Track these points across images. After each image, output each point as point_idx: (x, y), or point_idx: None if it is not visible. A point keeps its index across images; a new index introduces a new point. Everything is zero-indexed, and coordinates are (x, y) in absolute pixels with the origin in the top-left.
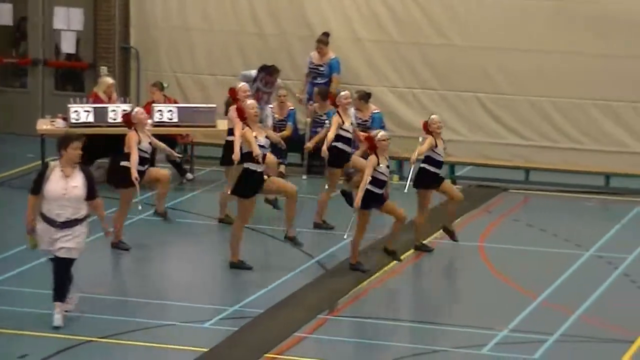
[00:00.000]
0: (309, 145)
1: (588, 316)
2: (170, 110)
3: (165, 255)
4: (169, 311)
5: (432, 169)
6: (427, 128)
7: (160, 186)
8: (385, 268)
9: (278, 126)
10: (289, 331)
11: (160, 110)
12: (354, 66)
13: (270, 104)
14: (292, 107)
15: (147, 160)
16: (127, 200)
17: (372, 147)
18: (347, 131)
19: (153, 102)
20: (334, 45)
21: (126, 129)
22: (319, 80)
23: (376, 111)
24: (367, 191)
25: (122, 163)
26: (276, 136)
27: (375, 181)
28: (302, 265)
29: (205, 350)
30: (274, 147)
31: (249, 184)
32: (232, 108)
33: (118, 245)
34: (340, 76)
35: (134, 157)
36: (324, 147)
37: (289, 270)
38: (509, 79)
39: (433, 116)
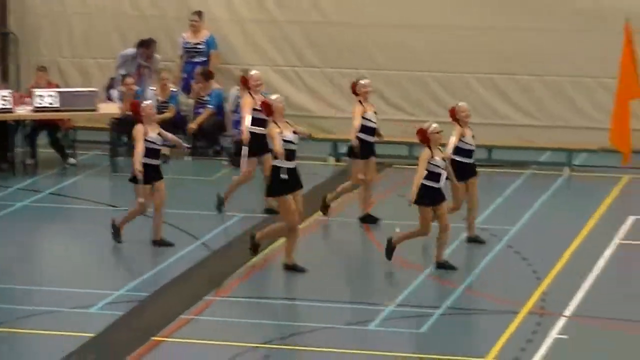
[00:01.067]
0: (192, 126)
1: (474, 289)
2: (51, 95)
3: (50, 241)
4: (54, 297)
5: (464, 159)
6: (455, 116)
7: (155, 213)
8: (271, 246)
9: (160, 108)
10: (176, 314)
11: (40, 96)
12: (235, 46)
13: (152, 77)
14: (174, 89)
15: (159, 152)
16: (140, 195)
17: (425, 140)
18: (370, 120)
19: (33, 87)
20: (215, 26)
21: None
22: (198, 59)
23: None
24: (423, 186)
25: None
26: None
27: (431, 175)
28: (187, 248)
29: (91, 335)
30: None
31: (281, 182)
32: (246, 96)
33: (114, 232)
34: (218, 52)
35: (139, 149)
36: (353, 138)
37: (174, 252)
38: (389, 54)
39: (461, 104)
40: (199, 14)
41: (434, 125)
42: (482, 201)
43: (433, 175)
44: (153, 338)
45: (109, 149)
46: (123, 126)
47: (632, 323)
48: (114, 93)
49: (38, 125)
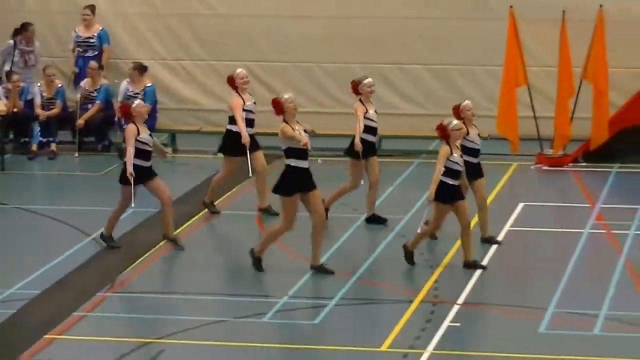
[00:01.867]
0: (80, 122)
1: (366, 278)
2: None
3: None
4: None
5: (470, 159)
6: (459, 114)
7: (163, 209)
8: (160, 244)
9: (47, 104)
10: (68, 311)
11: None
12: (121, 40)
13: (38, 61)
14: (61, 85)
15: (150, 154)
16: (124, 196)
17: (445, 137)
18: (372, 120)
19: None
20: (101, 20)
21: None
22: (90, 54)
23: (149, 84)
24: (442, 183)
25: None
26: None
27: (449, 172)
28: (79, 244)
29: None
30: (46, 125)
31: (292, 181)
32: (234, 96)
33: (106, 240)
34: (110, 47)
35: (130, 151)
36: (357, 140)
37: (66, 249)
38: (276, 45)
39: (466, 102)
40: (91, 8)
41: (455, 121)
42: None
43: (452, 173)
44: (45, 336)
45: None
46: (9, 123)
47: (522, 309)
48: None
49: None
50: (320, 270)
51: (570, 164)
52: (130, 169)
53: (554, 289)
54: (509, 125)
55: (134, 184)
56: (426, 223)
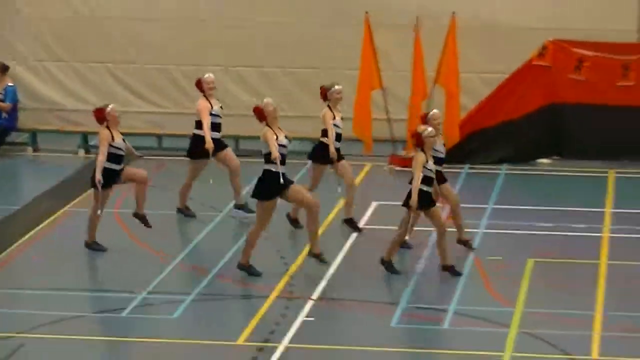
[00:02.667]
0: None
1: (224, 275)
2: None
3: None
4: None
5: (435, 167)
6: (427, 123)
7: (136, 187)
8: (23, 238)
9: None
10: None
11: None
12: None
13: None
14: None
15: (122, 158)
16: (98, 200)
17: (420, 144)
18: (338, 126)
19: None
20: None
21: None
22: None
23: (10, 84)
24: (420, 191)
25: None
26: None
27: (424, 179)
28: None
29: None
30: None
31: (268, 186)
32: (201, 100)
33: (92, 246)
34: None
35: (101, 157)
36: (332, 149)
37: None
38: (137, 47)
39: (434, 111)
40: None
41: (429, 129)
42: (229, 189)
43: (426, 180)
44: None
45: None
46: None
47: (374, 304)
48: None
49: None
50: (317, 258)
51: None
52: (99, 176)
53: (406, 285)
54: (363, 127)
55: (102, 189)
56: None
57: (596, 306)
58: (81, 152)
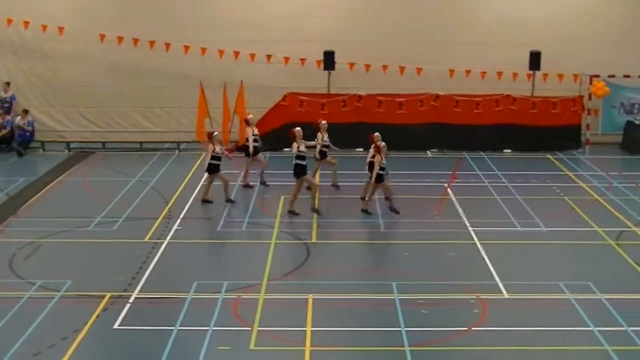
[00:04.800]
0: None
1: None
2: None
3: None
4: None
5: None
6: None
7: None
8: None
9: None
10: None
11: None
12: None
13: None
14: None
15: (220, 158)
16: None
17: (377, 150)
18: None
19: None
20: None
21: None
22: None
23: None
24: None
25: None
26: None
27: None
28: None
29: None
30: None
31: (299, 171)
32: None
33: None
34: None
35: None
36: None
37: None
38: None
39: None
40: None
41: (377, 133)
42: None
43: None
44: None
45: None
46: None
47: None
48: None
49: None
50: (316, 211)
51: (231, 154)
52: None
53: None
54: (200, 134)
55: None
56: (387, 199)
57: None
58: (65, 151)
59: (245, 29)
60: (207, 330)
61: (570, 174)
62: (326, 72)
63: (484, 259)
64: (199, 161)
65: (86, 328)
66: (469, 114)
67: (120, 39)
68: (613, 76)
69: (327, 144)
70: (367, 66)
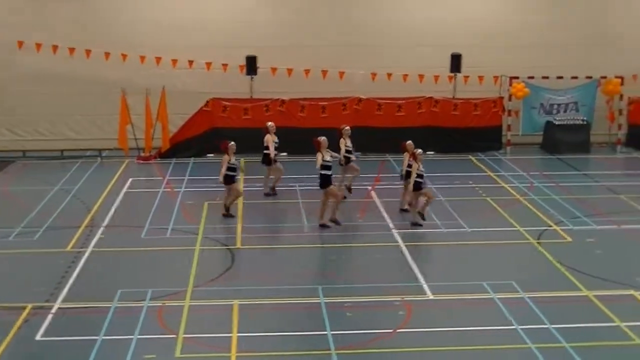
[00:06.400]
0: None
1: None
2: None
3: None
4: None
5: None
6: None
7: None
8: None
9: None
10: None
11: None
12: None
13: None
14: None
15: (237, 170)
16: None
17: (414, 157)
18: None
19: None
20: None
21: None
22: None
23: None
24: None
25: None
26: None
27: (326, 167)
28: None
29: None
30: None
31: (324, 182)
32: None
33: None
34: None
35: (222, 170)
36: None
37: None
38: None
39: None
40: None
41: (409, 142)
42: None
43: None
44: None
45: None
46: None
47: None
48: None
49: None
50: (335, 222)
51: (154, 160)
52: (220, 178)
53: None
54: (122, 141)
55: (227, 184)
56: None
57: None
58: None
59: (167, 34)
60: (132, 339)
61: (492, 174)
62: (248, 77)
63: (407, 261)
64: (121, 168)
65: (7, 340)
66: (392, 116)
67: (38, 45)
68: (532, 77)
69: (350, 149)
70: (290, 70)
